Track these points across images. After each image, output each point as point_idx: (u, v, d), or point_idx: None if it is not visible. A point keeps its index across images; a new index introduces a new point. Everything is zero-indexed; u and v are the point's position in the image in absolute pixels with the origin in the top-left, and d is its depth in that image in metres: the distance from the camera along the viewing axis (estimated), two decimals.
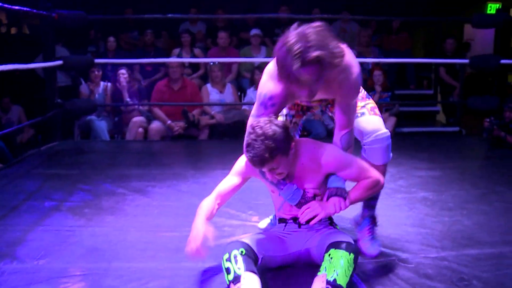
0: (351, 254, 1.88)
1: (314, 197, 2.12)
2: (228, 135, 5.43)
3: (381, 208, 2.42)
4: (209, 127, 5.53)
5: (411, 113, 6.90)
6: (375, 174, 2.11)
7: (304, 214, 2.06)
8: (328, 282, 1.82)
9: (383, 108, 5.94)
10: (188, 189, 3.36)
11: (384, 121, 6.18)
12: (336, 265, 1.85)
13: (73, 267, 2.16)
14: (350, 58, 2.00)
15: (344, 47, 1.92)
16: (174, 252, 2.34)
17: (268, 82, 2.07)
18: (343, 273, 1.84)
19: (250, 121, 2.08)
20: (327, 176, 2.11)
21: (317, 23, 1.84)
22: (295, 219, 2.18)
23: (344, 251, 1.87)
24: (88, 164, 4.05)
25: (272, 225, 2.57)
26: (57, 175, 3.65)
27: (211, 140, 5.40)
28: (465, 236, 2.55)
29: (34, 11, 4.44)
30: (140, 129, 5.40)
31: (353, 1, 7.88)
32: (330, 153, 2.08)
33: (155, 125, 5.42)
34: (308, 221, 2.08)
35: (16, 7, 3.95)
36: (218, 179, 3.53)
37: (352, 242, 1.96)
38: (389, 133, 2.23)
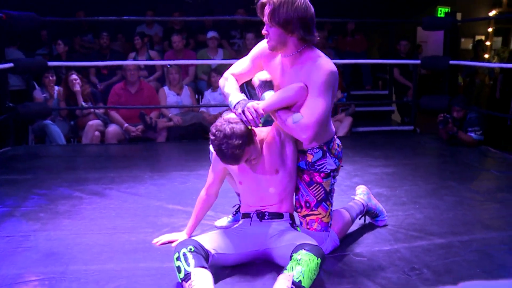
0: (319, 259, 1.92)
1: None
2: (186, 137, 5.42)
3: (337, 205, 2.48)
4: (166, 130, 5.50)
5: (367, 113, 7.07)
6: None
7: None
8: (293, 283, 1.84)
9: (339, 108, 6.07)
10: (146, 191, 3.34)
11: (340, 121, 6.30)
12: (304, 267, 1.88)
13: (28, 273, 2.13)
14: (325, 57, 2.14)
15: (310, 42, 2.15)
16: (131, 253, 2.33)
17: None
18: (309, 276, 1.87)
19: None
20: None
21: None
22: (258, 214, 2.23)
23: (313, 255, 1.91)
24: (43, 168, 3.96)
25: (235, 221, 2.60)
26: (11, 181, 3.56)
27: (169, 143, 5.38)
28: (417, 229, 2.64)
29: None
30: (97, 133, 5.32)
31: None
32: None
33: (112, 128, 5.35)
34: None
35: None
36: (176, 181, 3.59)
37: (320, 248, 2.00)
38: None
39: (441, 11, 10.33)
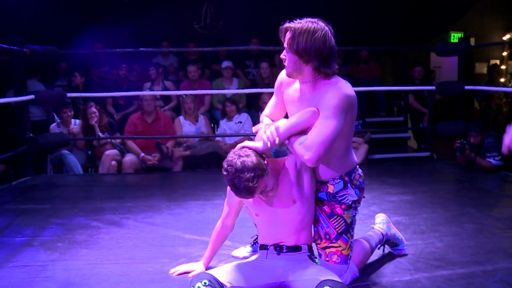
0: None
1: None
2: (202, 166, 5.43)
3: (356, 234, 2.45)
4: (183, 159, 5.53)
5: (383, 140, 7.04)
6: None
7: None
8: None
9: (355, 135, 6.05)
10: (163, 221, 3.34)
11: (356, 148, 6.29)
12: None
13: None
14: (343, 82, 2.14)
15: (328, 75, 2.14)
16: (148, 284, 2.32)
17: None
18: None
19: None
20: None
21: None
22: (276, 247, 2.21)
23: None
24: (61, 198, 4.00)
25: (253, 252, 2.58)
26: (29, 210, 3.59)
27: (185, 172, 5.40)
28: (438, 258, 2.59)
29: (5, 46, 4.43)
30: (114, 162, 5.36)
31: None
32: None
33: (129, 158, 5.39)
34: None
35: None
36: (193, 210, 3.58)
37: (341, 282, 1.98)
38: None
39: (454, 37, 10.35)
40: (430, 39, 9.25)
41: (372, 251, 2.47)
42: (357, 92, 6.87)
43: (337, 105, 2.04)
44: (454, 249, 2.72)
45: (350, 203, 2.23)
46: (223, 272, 2.06)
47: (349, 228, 2.24)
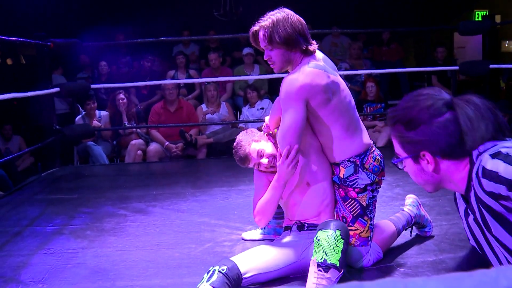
0: (337, 230, 1.91)
1: None
2: (226, 153, 5.48)
3: (379, 217, 2.46)
4: (206, 146, 5.59)
5: None
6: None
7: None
8: (318, 265, 1.86)
9: (377, 118, 6.02)
10: (188, 208, 3.40)
11: (379, 131, 6.22)
12: (324, 244, 1.89)
13: None
14: (302, 69, 2.13)
15: (311, 53, 2.19)
16: (175, 269, 2.37)
17: None
18: (331, 251, 1.87)
19: None
20: None
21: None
22: (298, 226, 2.25)
23: (329, 230, 1.92)
24: (89, 188, 4.09)
25: (264, 235, 2.64)
26: (58, 200, 3.69)
27: (209, 159, 5.45)
28: (462, 238, 2.58)
29: (30, 41, 4.52)
30: (139, 152, 5.45)
31: (342, 16, 8.02)
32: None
33: (153, 147, 5.47)
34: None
35: (12, 38, 4.03)
36: (217, 197, 3.63)
37: (340, 221, 2.01)
38: None
39: (479, 15, 10.12)
40: (453, 18, 9.08)
41: (399, 233, 2.46)
42: (379, 75, 6.77)
43: (284, 98, 2.12)
44: None
45: (363, 186, 2.22)
46: (246, 259, 2.08)
47: (365, 210, 2.23)
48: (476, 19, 9.77)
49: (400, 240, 2.58)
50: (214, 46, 7.31)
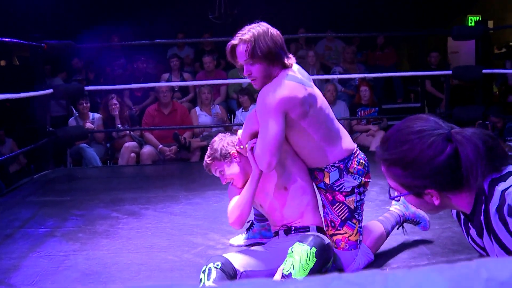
0: (313, 248, 1.90)
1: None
2: None
3: (370, 219, 2.46)
4: (200, 149, 5.58)
5: None
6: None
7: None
8: (283, 276, 1.86)
9: (371, 122, 6.03)
10: (181, 211, 3.39)
11: (373, 135, 6.24)
12: (295, 258, 1.88)
13: None
14: (278, 82, 2.09)
15: (290, 66, 2.15)
16: (168, 272, 2.36)
17: None
18: (300, 267, 1.87)
19: None
20: None
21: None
22: (285, 230, 2.25)
23: (305, 245, 1.91)
24: (82, 190, 4.07)
25: (248, 240, 2.65)
26: (51, 202, 3.67)
27: (202, 162, 5.42)
28: (455, 242, 2.59)
29: (23, 42, 4.50)
30: (132, 154, 5.43)
31: (337, 20, 8.04)
32: None
33: (147, 149, 5.46)
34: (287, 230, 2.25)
35: (6, 39, 4.01)
36: (210, 200, 3.61)
37: (322, 237, 1.99)
38: None
39: (472, 20, 10.18)
40: (447, 23, 9.13)
41: (388, 233, 2.44)
42: (374, 79, 6.79)
43: (262, 111, 2.08)
44: None
45: (350, 189, 2.22)
46: (238, 257, 2.09)
47: (353, 213, 2.23)
48: (469, 24, 9.83)
49: (392, 243, 2.58)
50: (209, 49, 7.31)
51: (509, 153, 1.33)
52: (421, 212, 2.62)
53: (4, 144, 6.24)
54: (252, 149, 2.18)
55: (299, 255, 1.88)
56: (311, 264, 1.87)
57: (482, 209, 1.29)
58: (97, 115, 5.79)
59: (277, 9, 8.22)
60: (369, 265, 2.31)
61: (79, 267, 2.45)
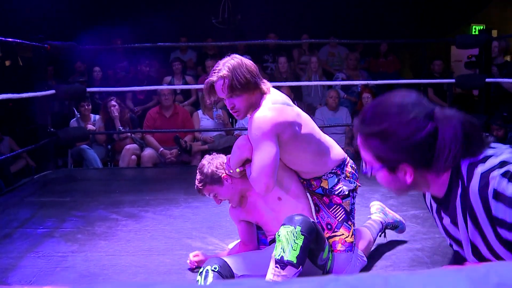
0: (297, 227, 1.90)
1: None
2: None
3: (358, 225, 2.46)
4: (201, 153, 5.57)
5: None
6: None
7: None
8: (276, 261, 1.86)
9: None
10: (180, 214, 3.38)
11: None
12: (283, 241, 1.88)
13: None
14: (265, 105, 2.15)
15: (268, 92, 2.18)
16: (165, 275, 2.36)
17: None
18: (289, 248, 1.86)
19: None
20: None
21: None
22: None
23: (290, 226, 1.91)
24: (82, 191, 4.07)
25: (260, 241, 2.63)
26: (50, 203, 3.66)
27: None
28: None
29: (27, 42, 4.51)
30: (133, 157, 5.43)
31: (340, 26, 8.05)
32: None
33: (148, 152, 5.45)
34: None
35: (9, 39, 4.02)
36: (210, 204, 3.59)
37: (305, 216, 1.99)
38: None
39: (475, 29, 10.19)
40: (451, 32, 9.13)
41: (374, 240, 2.51)
42: (376, 86, 6.78)
43: (256, 136, 2.10)
44: None
45: (347, 192, 2.28)
46: (236, 261, 2.08)
47: (349, 216, 2.29)
48: (473, 33, 9.84)
49: (391, 251, 2.58)
50: (212, 53, 7.32)
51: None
52: (398, 216, 2.71)
53: (3, 144, 6.22)
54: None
55: (286, 237, 1.89)
56: (300, 243, 1.88)
57: (459, 192, 1.28)
58: (98, 117, 5.79)
59: (280, 15, 8.23)
60: (363, 268, 2.30)
61: (76, 268, 2.44)
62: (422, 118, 1.23)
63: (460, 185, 1.27)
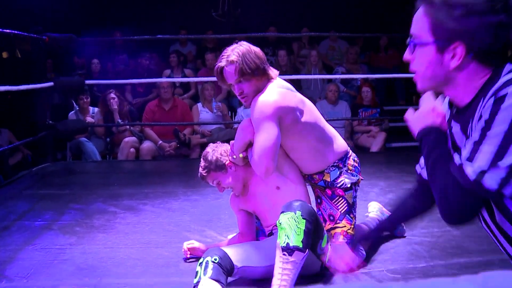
0: (297, 212, 1.90)
1: None
2: None
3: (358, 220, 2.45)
4: (200, 146, 5.56)
5: (401, 128, 6.95)
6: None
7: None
8: (282, 249, 1.85)
9: (373, 123, 6.01)
10: (179, 207, 3.38)
11: (374, 136, 6.22)
12: (286, 227, 1.88)
13: (63, 284, 2.17)
14: (270, 89, 2.18)
15: (275, 78, 2.22)
16: (164, 268, 2.35)
17: None
18: (293, 233, 1.86)
19: None
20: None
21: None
22: None
23: (289, 212, 1.91)
24: (80, 184, 4.06)
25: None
26: (49, 196, 3.66)
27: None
28: (454, 246, 2.57)
29: (25, 34, 4.49)
30: (132, 149, 5.42)
31: (341, 20, 8.02)
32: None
33: (147, 145, 5.44)
34: None
35: (7, 30, 4.00)
36: (209, 197, 3.60)
37: (302, 200, 2.00)
38: None
39: None
40: None
41: None
42: (376, 80, 6.74)
43: (258, 118, 2.13)
44: (471, 238, 2.68)
45: (350, 185, 2.30)
46: (236, 252, 2.07)
47: (351, 208, 2.30)
48: None
49: (390, 245, 2.57)
50: (211, 46, 7.29)
51: None
52: None
53: (1, 135, 6.20)
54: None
55: (288, 223, 1.89)
56: (302, 227, 1.88)
57: (485, 99, 1.15)
58: (97, 110, 5.77)
59: (280, 8, 8.20)
60: (369, 266, 2.30)
61: (75, 261, 2.44)
62: (500, 6, 1.12)
63: (488, 92, 1.14)
